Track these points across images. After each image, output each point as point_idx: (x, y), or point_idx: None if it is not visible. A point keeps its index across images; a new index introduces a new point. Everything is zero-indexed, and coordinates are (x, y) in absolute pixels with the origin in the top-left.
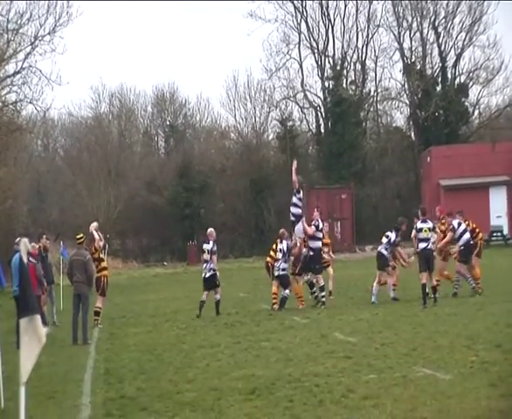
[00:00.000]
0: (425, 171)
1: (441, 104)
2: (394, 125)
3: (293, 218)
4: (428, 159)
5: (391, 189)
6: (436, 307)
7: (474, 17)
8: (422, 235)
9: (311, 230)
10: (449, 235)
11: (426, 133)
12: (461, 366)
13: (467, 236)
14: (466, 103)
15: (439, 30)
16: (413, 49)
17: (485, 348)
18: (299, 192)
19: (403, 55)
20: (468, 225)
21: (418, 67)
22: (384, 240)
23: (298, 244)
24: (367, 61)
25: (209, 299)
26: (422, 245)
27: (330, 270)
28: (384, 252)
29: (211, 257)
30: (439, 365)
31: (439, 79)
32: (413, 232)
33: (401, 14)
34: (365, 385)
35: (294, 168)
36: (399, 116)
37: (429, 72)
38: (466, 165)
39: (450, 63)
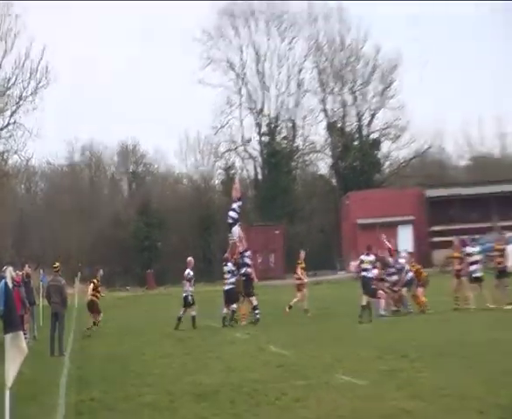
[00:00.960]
0: (345, 212)
1: (358, 156)
2: (319, 173)
3: (230, 220)
4: (347, 201)
5: (316, 227)
6: (358, 324)
7: (386, 84)
8: (364, 265)
9: (241, 234)
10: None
11: (346, 180)
12: (375, 373)
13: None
14: (378, 155)
15: (357, 94)
16: (335, 110)
17: (394, 358)
18: (239, 200)
19: (326, 115)
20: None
21: (339, 125)
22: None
23: (238, 242)
24: (297, 120)
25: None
26: (363, 273)
27: (305, 291)
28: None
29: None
30: (356, 373)
31: (357, 135)
32: (358, 262)
33: (325, 81)
34: (295, 389)
35: (236, 181)
36: (323, 165)
37: (348, 129)
38: (378, 207)
39: (365, 122)
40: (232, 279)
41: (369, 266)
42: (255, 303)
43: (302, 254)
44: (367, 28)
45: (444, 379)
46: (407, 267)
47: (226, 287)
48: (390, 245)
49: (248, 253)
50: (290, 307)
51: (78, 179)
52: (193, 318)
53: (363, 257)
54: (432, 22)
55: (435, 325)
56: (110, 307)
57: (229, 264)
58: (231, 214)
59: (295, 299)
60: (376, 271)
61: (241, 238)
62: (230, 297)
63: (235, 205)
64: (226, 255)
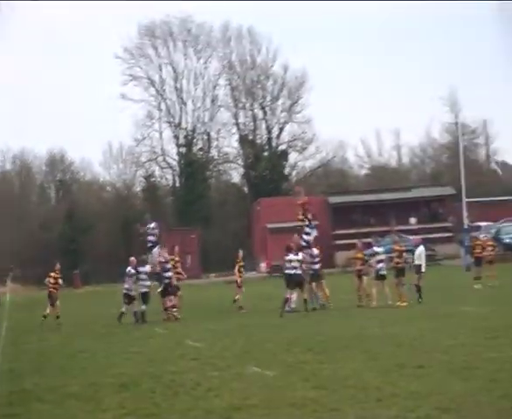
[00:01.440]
0: (256, 217)
1: (268, 166)
2: (232, 181)
3: (150, 244)
4: (258, 207)
5: (230, 231)
6: (266, 318)
7: (293, 100)
8: (292, 264)
9: (160, 257)
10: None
11: (257, 188)
12: (283, 365)
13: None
14: (286, 165)
15: (266, 109)
16: (246, 124)
17: (300, 351)
18: (155, 228)
19: (238, 128)
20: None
21: (251, 138)
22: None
23: (160, 261)
24: (211, 132)
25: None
26: (292, 271)
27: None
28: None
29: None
30: (265, 364)
31: (266, 147)
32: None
33: (237, 97)
34: (209, 380)
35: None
36: (236, 174)
37: (259, 141)
38: (286, 212)
39: (274, 134)
40: (148, 283)
41: (297, 264)
42: (173, 303)
43: (240, 253)
44: (276, 48)
45: (346, 370)
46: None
47: (142, 289)
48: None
49: (168, 265)
50: (235, 301)
51: (9, 186)
52: (134, 313)
53: (291, 256)
54: (337, 36)
55: (339, 320)
56: (39, 304)
57: (146, 266)
58: (150, 238)
59: (238, 296)
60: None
61: (161, 253)
62: (144, 298)
63: (151, 230)
64: (144, 256)
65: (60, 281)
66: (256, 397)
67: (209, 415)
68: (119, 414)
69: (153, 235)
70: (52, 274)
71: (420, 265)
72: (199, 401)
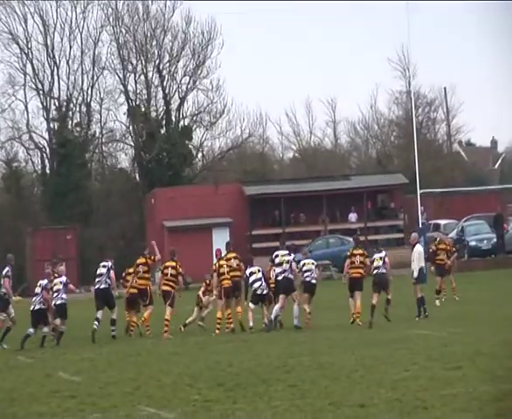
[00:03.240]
0: (150, 212)
1: (165, 146)
2: (119, 166)
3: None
4: (152, 200)
5: (116, 230)
6: (164, 344)
7: (198, 62)
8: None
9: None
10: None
11: (151, 175)
12: (184, 404)
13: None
14: (189, 146)
15: (164, 73)
16: (138, 92)
17: (207, 387)
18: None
19: (128, 97)
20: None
21: (143, 110)
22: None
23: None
24: (92, 103)
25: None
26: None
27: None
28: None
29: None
30: (162, 403)
31: (164, 122)
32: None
33: (126, 57)
34: None
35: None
36: (124, 158)
37: (153, 114)
38: (189, 206)
39: (174, 106)
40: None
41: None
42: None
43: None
44: None
45: (266, 411)
46: None
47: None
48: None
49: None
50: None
51: None
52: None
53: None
54: None
55: (257, 346)
56: None
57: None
58: None
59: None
60: None
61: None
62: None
63: None
64: None
65: None
66: None
67: None
68: None
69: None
70: None
71: (422, 269)
72: None
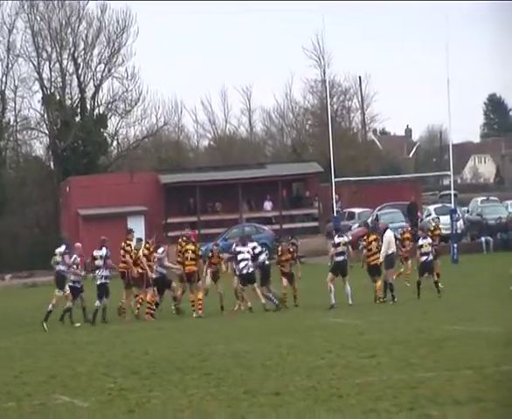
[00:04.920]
0: (65, 201)
1: (80, 134)
2: (34, 154)
3: None
4: (67, 188)
5: (31, 219)
6: (79, 333)
7: (113, 49)
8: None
9: None
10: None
11: (66, 163)
12: (100, 393)
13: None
14: (104, 134)
15: (79, 61)
16: (53, 79)
17: (123, 375)
18: None
19: (42, 85)
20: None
21: (58, 98)
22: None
23: None
24: (6, 91)
25: None
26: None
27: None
28: None
29: None
30: (77, 392)
31: (79, 110)
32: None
33: (41, 44)
34: (4, 413)
35: None
36: (39, 146)
37: (68, 102)
38: (104, 195)
39: (89, 94)
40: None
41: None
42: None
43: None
44: None
45: (182, 399)
46: None
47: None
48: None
49: None
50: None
51: None
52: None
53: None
54: None
55: (172, 334)
56: None
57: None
58: None
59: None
60: None
61: None
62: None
63: None
64: None
65: None
66: None
67: None
68: None
69: None
70: None
71: (393, 254)
72: None
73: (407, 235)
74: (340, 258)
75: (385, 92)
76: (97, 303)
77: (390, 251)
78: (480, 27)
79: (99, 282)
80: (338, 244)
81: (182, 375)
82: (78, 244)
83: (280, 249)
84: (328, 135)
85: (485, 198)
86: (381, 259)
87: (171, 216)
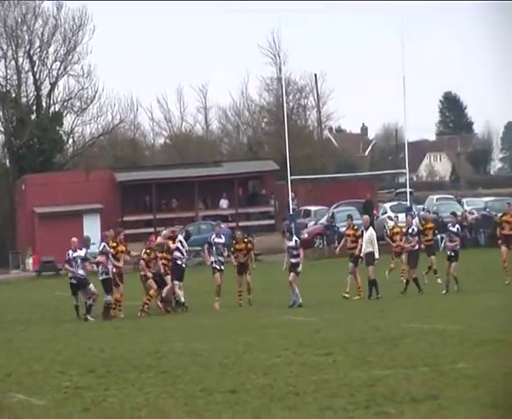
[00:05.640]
0: (21, 199)
1: (36, 132)
2: None
3: None
4: (23, 186)
5: None
6: (35, 331)
7: (69, 47)
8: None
9: None
10: None
11: (21, 161)
12: (55, 391)
13: None
14: (60, 131)
15: (34, 58)
16: (8, 77)
17: (79, 373)
18: None
19: None
20: None
21: (13, 95)
22: None
23: None
24: None
25: None
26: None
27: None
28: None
29: None
30: (33, 390)
31: (34, 108)
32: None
33: None
34: None
35: None
36: None
37: (24, 100)
38: (60, 193)
39: (45, 92)
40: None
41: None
42: None
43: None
44: None
45: (139, 397)
46: None
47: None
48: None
49: None
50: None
51: None
52: None
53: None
54: None
55: (129, 332)
56: None
57: None
58: None
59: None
60: None
61: None
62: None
63: None
64: None
65: None
66: None
67: None
68: None
69: None
70: None
71: (372, 253)
72: None
73: (396, 229)
74: (293, 260)
75: (341, 90)
76: (107, 298)
77: (370, 249)
78: (437, 24)
79: (103, 277)
80: (290, 248)
81: (138, 374)
82: (74, 239)
83: (235, 238)
84: (284, 133)
85: (441, 196)
86: (377, 256)
87: (127, 214)
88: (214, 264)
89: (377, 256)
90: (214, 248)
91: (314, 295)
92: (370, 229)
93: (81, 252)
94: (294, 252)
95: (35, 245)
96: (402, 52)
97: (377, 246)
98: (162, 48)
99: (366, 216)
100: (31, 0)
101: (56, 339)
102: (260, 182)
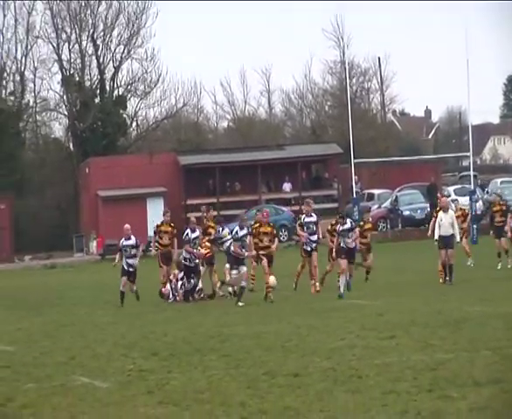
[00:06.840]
0: (84, 182)
1: (99, 116)
2: (53, 136)
3: None
4: (87, 170)
5: (51, 200)
6: (98, 314)
7: (133, 31)
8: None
9: None
10: None
11: (85, 145)
12: (119, 374)
13: None
14: (124, 115)
15: (98, 42)
16: (72, 61)
17: (142, 356)
18: None
19: (62, 67)
20: None
21: (77, 79)
22: None
23: None
24: (26, 72)
25: None
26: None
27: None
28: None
29: None
30: (96, 373)
31: (98, 91)
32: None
33: (60, 26)
34: (24, 394)
35: None
36: (58, 127)
37: (88, 84)
38: (124, 176)
39: (108, 75)
40: None
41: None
42: None
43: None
44: None
45: (201, 381)
46: None
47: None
48: None
49: None
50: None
51: None
52: None
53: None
54: None
55: (192, 315)
56: None
57: None
58: None
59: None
60: None
61: None
62: None
63: None
64: None
65: None
66: (85, 416)
67: None
68: None
69: None
70: None
71: (453, 235)
72: None
73: (369, 225)
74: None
75: (405, 73)
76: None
77: (451, 231)
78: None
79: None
80: (345, 231)
81: (201, 357)
82: (126, 226)
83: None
84: (348, 116)
85: (505, 180)
86: (457, 239)
87: (190, 198)
88: (305, 246)
89: (457, 239)
90: (305, 227)
91: (378, 279)
92: (450, 211)
93: (131, 241)
94: (350, 234)
95: (99, 229)
96: (465, 35)
97: (457, 229)
98: (226, 31)
99: (445, 198)
100: None
101: (119, 322)
102: (324, 165)
